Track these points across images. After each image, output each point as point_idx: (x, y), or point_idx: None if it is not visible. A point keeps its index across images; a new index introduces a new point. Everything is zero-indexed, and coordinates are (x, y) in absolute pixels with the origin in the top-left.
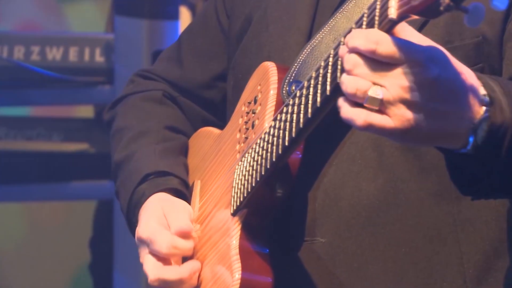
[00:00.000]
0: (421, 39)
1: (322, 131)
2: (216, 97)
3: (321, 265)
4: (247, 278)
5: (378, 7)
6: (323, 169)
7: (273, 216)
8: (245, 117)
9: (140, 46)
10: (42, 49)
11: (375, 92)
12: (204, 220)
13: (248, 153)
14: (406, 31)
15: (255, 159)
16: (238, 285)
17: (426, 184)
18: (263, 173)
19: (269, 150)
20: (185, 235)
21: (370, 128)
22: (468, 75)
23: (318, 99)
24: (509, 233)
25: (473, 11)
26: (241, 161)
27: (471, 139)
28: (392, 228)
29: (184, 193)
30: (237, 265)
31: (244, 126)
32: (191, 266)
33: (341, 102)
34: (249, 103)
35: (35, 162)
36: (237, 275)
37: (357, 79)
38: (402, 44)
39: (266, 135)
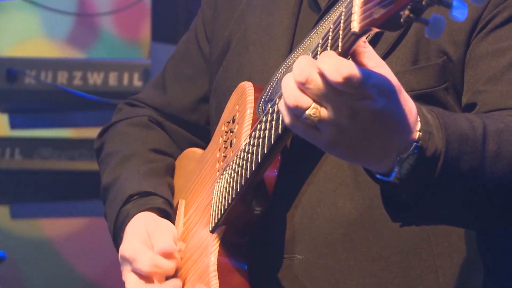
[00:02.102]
0: (379, 62)
1: (299, 150)
2: (200, 120)
3: (299, 282)
4: None
5: (342, 21)
6: (300, 187)
7: (251, 233)
8: (225, 136)
9: None
10: (84, 74)
11: (314, 114)
12: (187, 238)
13: (226, 171)
14: (366, 52)
15: (232, 176)
16: None
17: None
18: (238, 189)
19: (244, 166)
20: (167, 255)
21: (297, 132)
22: (409, 110)
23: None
24: (482, 247)
25: (434, 23)
26: (219, 179)
27: (395, 170)
28: (368, 244)
29: (167, 211)
30: (214, 282)
31: (223, 145)
32: (173, 284)
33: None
34: (228, 122)
35: (78, 181)
36: None
37: (300, 95)
38: (364, 79)
39: (242, 153)
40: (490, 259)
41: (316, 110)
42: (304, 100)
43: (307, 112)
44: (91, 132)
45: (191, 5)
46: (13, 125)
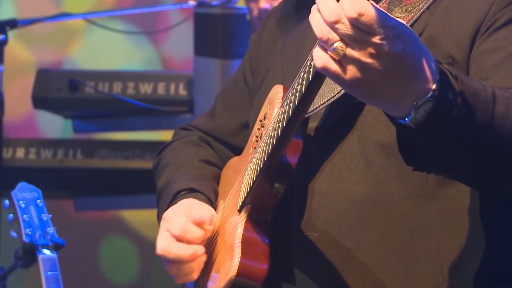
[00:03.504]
0: (399, 19)
1: (318, 141)
2: (242, 143)
3: (315, 256)
4: (245, 263)
5: None
6: (319, 174)
7: (273, 212)
8: (257, 133)
9: (214, 81)
10: (136, 85)
11: (341, 47)
12: (221, 224)
13: (254, 157)
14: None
15: (257, 157)
16: (237, 268)
17: (406, 186)
18: (261, 166)
19: (267, 144)
20: (198, 224)
21: (325, 71)
22: (428, 60)
23: (303, 87)
24: (481, 232)
25: None
26: (249, 166)
27: (411, 114)
28: (377, 224)
29: None
30: (238, 251)
31: (255, 140)
32: (194, 249)
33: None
34: (261, 120)
35: (131, 177)
36: (236, 259)
37: (330, 31)
38: (379, 17)
39: (266, 136)
40: (491, 243)
41: (343, 45)
42: (333, 35)
43: (336, 44)
44: (143, 135)
45: (226, 25)
46: (76, 129)
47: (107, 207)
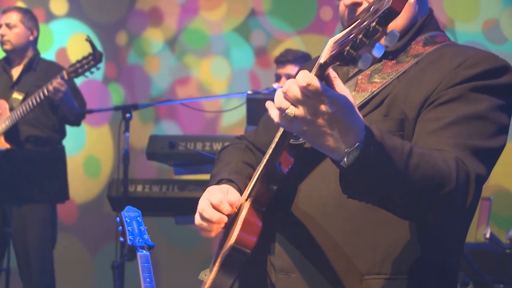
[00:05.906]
0: (343, 90)
1: (307, 158)
2: None
3: (292, 236)
4: (241, 235)
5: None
6: (304, 180)
7: (268, 204)
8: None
9: None
10: (211, 144)
11: (290, 112)
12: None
13: (261, 163)
14: (336, 82)
15: (261, 164)
16: (235, 238)
17: None
18: (260, 170)
19: (265, 157)
20: (230, 204)
21: (281, 125)
22: (356, 122)
23: (280, 133)
24: (408, 235)
25: (364, 58)
26: (258, 170)
27: (344, 159)
28: (337, 218)
29: None
30: (238, 227)
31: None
32: (221, 216)
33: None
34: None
35: None
36: (236, 232)
37: (283, 100)
38: (322, 88)
39: (268, 150)
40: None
41: (292, 110)
42: (285, 103)
43: (287, 111)
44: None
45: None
46: (176, 173)
47: (183, 222)
